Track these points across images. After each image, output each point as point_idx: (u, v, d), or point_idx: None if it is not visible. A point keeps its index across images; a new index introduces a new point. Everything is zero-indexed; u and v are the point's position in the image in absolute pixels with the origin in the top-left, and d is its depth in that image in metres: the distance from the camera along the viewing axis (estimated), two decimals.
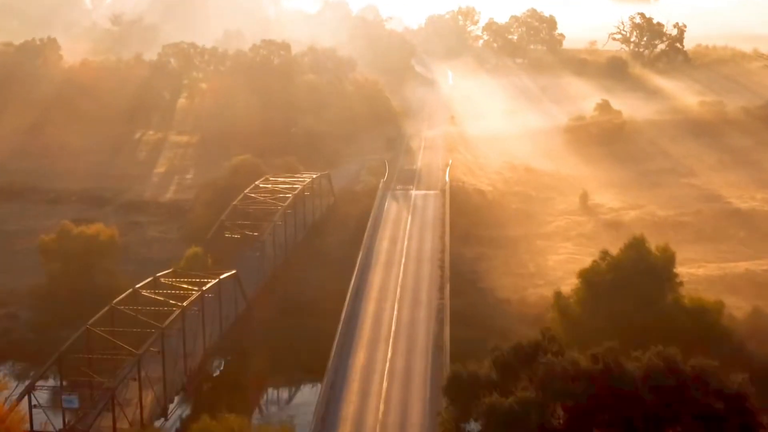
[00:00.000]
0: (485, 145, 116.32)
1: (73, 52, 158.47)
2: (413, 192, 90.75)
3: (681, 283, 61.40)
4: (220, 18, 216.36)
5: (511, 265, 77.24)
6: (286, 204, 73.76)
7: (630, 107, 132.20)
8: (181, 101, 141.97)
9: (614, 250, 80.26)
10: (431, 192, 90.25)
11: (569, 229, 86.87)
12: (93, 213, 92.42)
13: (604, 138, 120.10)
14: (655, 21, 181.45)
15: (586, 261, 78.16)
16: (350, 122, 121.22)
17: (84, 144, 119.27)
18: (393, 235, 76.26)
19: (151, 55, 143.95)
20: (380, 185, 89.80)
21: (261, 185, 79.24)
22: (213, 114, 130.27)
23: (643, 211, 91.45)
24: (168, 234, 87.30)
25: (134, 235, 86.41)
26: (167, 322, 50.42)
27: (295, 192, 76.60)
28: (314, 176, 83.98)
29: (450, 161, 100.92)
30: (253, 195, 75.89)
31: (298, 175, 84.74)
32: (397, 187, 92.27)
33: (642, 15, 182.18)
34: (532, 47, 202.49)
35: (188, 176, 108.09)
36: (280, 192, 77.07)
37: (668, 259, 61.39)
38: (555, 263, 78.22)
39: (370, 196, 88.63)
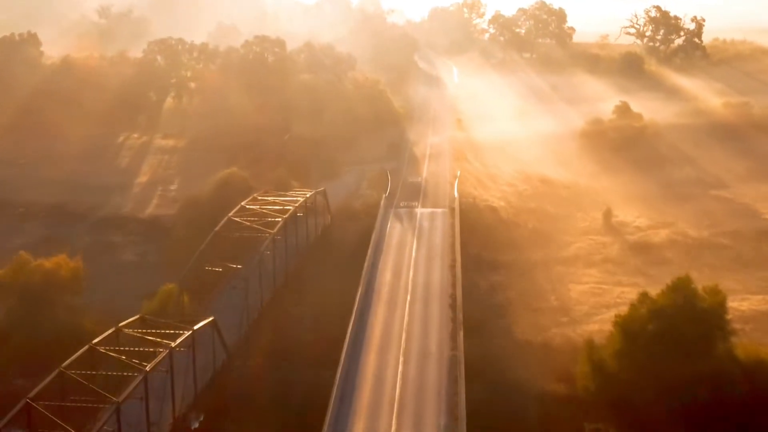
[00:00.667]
0: (495, 152, 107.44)
1: (58, 48, 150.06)
2: (418, 210, 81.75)
3: (733, 332, 52.72)
4: (215, 10, 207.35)
5: (530, 297, 68.53)
6: (275, 230, 64.82)
7: (649, 109, 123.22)
8: (169, 102, 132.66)
9: (644, 279, 72.23)
10: (438, 210, 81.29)
11: (593, 253, 78.14)
12: (65, 230, 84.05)
13: (624, 143, 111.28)
14: (671, 14, 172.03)
15: (614, 292, 70.13)
16: (349, 126, 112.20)
17: (63, 149, 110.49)
18: (396, 264, 67.36)
19: (140, 51, 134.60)
20: (382, 202, 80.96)
21: (248, 206, 70.20)
22: (202, 116, 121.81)
23: (674, 230, 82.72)
24: (146, 257, 78.53)
25: (107, 259, 77.67)
26: (126, 392, 41.62)
27: (286, 215, 67.63)
28: (308, 194, 74.99)
29: (458, 172, 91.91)
30: (237, 219, 66.81)
31: (290, 193, 75.80)
32: (401, 204, 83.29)
33: (658, 8, 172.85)
34: (540, 41, 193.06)
35: (172, 187, 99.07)
36: (268, 215, 68.07)
37: (719, 303, 52.62)
38: (579, 294, 69.57)
39: (371, 214, 79.88)
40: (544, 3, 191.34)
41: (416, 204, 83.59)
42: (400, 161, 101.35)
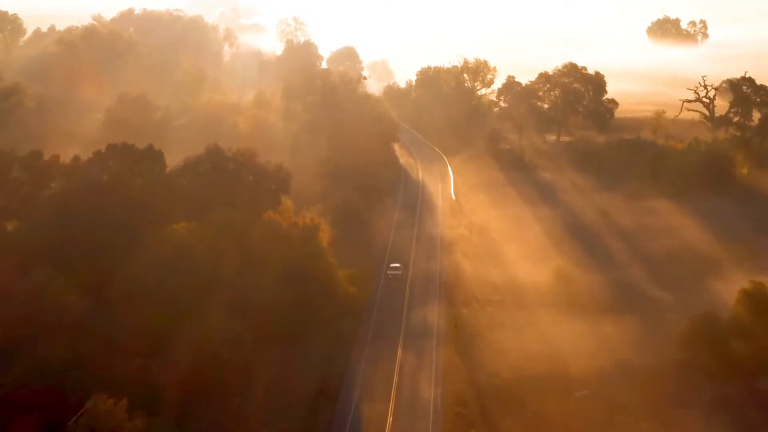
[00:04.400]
0: (516, 409, 54.78)
1: None
2: None
3: None
4: (146, 72, 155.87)
5: None
6: None
7: None
8: None
9: None
10: None
11: None
12: None
13: (760, 365, 59.17)
14: None
15: None
16: (257, 329, 59.95)
17: None
18: None
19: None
20: None
21: None
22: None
23: None
24: None
25: None
26: None
27: None
28: None
29: None
30: None
31: None
32: None
33: (750, 81, 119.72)
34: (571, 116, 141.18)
35: None
36: None
37: None
38: None
39: None
40: (575, 65, 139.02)
41: None
42: None
